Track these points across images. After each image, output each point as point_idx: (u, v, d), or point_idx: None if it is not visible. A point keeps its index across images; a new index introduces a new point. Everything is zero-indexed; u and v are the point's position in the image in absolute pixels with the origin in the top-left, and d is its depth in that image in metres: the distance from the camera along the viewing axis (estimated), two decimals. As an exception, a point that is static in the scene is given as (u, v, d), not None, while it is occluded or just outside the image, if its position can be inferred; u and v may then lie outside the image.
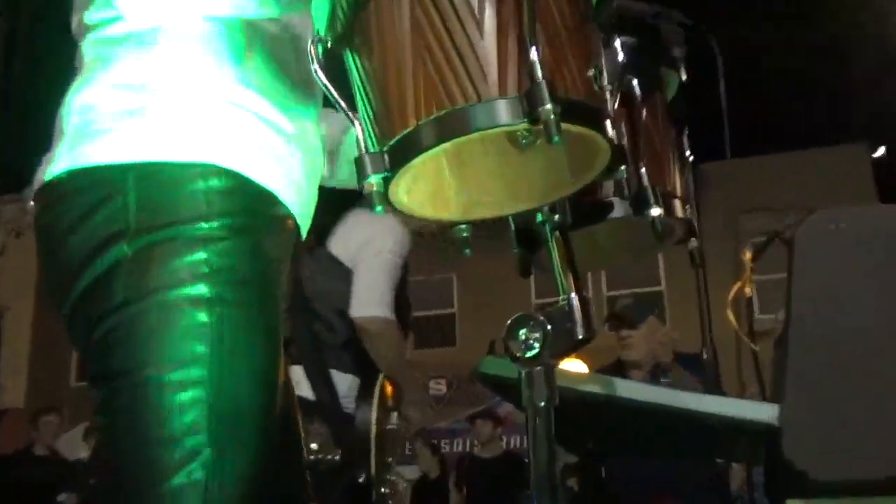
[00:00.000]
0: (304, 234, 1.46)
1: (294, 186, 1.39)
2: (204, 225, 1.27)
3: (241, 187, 1.31)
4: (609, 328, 4.14)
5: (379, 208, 1.13)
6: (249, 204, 1.31)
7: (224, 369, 1.22)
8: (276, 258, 1.34)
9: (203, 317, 1.23)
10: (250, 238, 1.30)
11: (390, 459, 2.88)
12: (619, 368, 3.99)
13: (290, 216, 1.38)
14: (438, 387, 14.98)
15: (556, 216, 1.29)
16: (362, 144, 1.15)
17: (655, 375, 3.91)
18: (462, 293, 15.81)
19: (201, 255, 1.25)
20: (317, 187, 1.51)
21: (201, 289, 1.24)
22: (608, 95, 1.16)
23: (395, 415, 2.94)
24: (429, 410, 14.35)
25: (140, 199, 1.27)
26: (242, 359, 1.24)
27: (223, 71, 1.35)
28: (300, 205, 1.41)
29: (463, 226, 1.28)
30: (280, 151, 1.37)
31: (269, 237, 1.33)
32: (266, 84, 1.38)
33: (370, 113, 1.16)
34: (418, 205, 1.24)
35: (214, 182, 1.29)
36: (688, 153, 1.57)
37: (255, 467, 1.22)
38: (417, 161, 1.12)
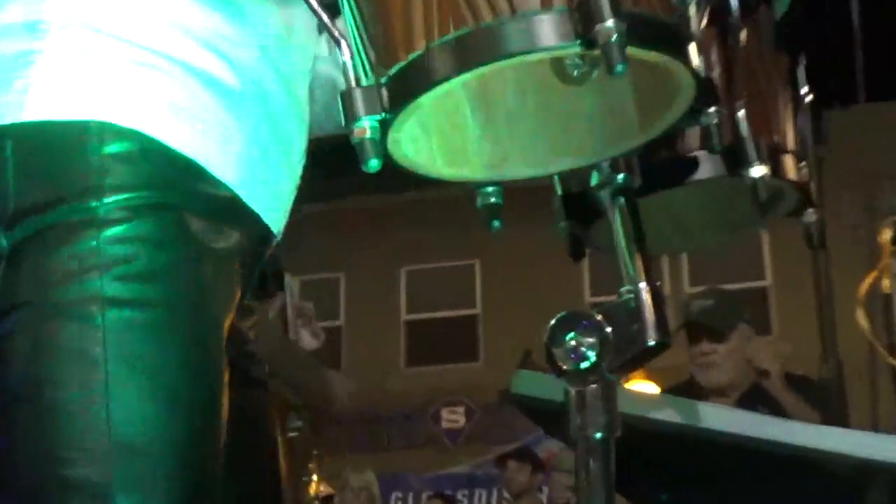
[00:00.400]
0: (273, 223, 1.48)
1: (236, 158, 1.41)
2: (95, 203, 1.31)
3: (148, 154, 1.34)
4: (690, 341, 4.11)
5: (373, 163, 1.14)
6: (161, 175, 1.34)
7: (119, 386, 1.27)
8: (208, 249, 1.36)
9: (95, 320, 1.28)
10: (161, 219, 1.33)
11: (306, 479, 2.89)
12: (695, 395, 3.96)
13: (230, 196, 1.40)
14: (453, 417, 15.02)
15: (620, 177, 1.30)
16: (351, 74, 1.15)
17: (749, 405, 3.88)
18: (488, 286, 15.84)
19: (91, 241, 1.30)
20: (293, 160, 1.52)
21: (92, 285, 1.29)
22: (693, 9, 1.16)
23: (292, 415, 2.94)
24: (440, 450, 14.42)
25: (19, 172, 1.32)
26: (144, 373, 1.29)
27: (143, 5, 1.38)
28: (251, 183, 1.43)
29: (490, 189, 1.29)
30: (211, 109, 1.39)
31: (195, 220, 1.36)
32: (202, 17, 1.40)
33: (363, 32, 1.16)
34: (428, 159, 1.25)
35: (113, 146, 1.32)
36: (804, 91, 1.56)
37: None
38: (427, 98, 1.13)
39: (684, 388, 4.04)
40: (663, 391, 4.05)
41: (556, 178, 1.40)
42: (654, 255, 1.37)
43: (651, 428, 1.62)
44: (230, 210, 1.40)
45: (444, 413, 15.10)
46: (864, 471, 1.60)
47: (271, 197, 1.47)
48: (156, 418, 1.28)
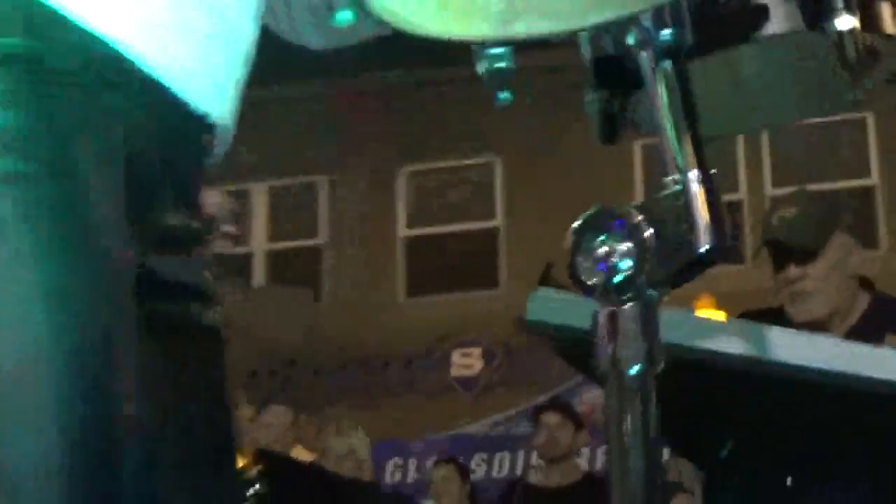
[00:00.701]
0: (202, 100, 1.48)
1: (122, 5, 1.42)
2: None
3: None
4: (774, 264, 4.08)
5: (344, 15, 1.15)
6: (11, 21, 1.36)
7: None
8: (87, 121, 1.38)
9: None
10: (12, 72, 1.35)
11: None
12: None
13: (117, 55, 1.41)
14: (467, 361, 15.14)
15: (665, 33, 1.29)
16: None
17: (867, 336, 3.82)
18: (511, 191, 15.86)
19: None
20: (234, 17, 1.52)
21: None
22: None
23: None
24: (450, 404, 14.53)
25: None
26: (22, 267, 1.31)
27: None
28: (153, 40, 1.43)
29: (498, 51, 1.28)
30: None
31: (65, 79, 1.37)
32: None
33: None
34: (417, 12, 1.25)
35: None
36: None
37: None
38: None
39: (769, 321, 3.97)
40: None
41: (583, 36, 1.39)
42: (714, 137, 1.37)
43: (710, 362, 1.63)
44: (117, 74, 1.41)
45: (456, 356, 15.20)
46: None
47: (195, 65, 1.47)
48: (25, 323, 1.31)
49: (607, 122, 1.44)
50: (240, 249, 15.81)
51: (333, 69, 12.77)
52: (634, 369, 1.22)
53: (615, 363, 1.23)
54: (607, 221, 1.24)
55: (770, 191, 14.51)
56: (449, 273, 15.63)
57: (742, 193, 14.79)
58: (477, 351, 15.04)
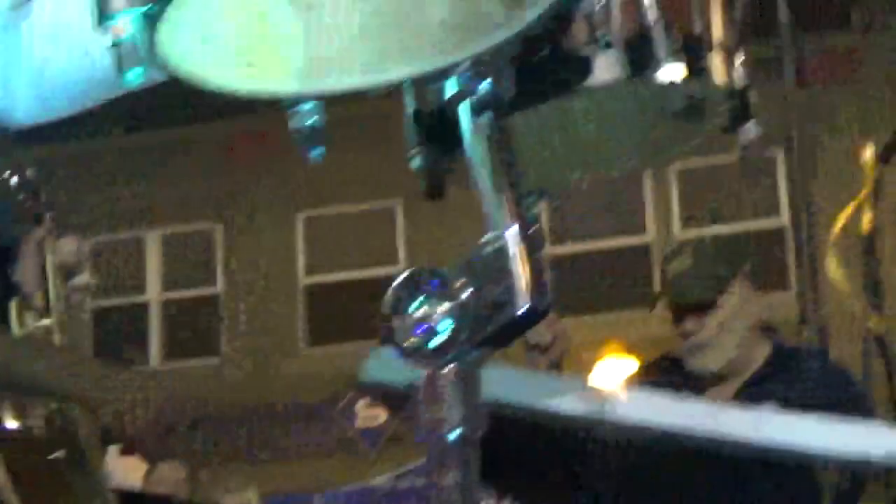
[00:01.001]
0: None
1: None
2: None
3: None
4: (673, 318, 4.08)
5: (133, 74, 1.14)
6: None
7: None
8: None
9: None
10: None
11: None
12: (691, 382, 3.90)
13: None
14: (372, 412, 15.05)
15: (483, 85, 1.29)
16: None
17: (765, 393, 3.83)
18: (413, 235, 15.85)
19: None
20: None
21: None
22: None
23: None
24: (354, 457, 14.46)
25: None
26: None
27: None
28: None
29: (306, 106, 1.29)
30: None
31: None
32: None
33: None
34: (216, 67, 1.24)
35: None
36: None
37: None
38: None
39: (675, 368, 3.99)
40: (648, 369, 4.01)
41: (406, 90, 1.40)
42: (545, 190, 1.37)
43: (549, 426, 1.64)
44: None
45: (361, 407, 15.11)
46: (853, 469, 1.62)
47: None
48: None
49: (432, 179, 1.45)
50: (135, 299, 15.73)
51: (228, 108, 12.71)
52: (454, 434, 1.23)
53: (435, 427, 1.23)
54: (425, 282, 1.24)
55: (679, 233, 14.61)
56: (351, 321, 15.57)
57: (649, 236, 14.90)
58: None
